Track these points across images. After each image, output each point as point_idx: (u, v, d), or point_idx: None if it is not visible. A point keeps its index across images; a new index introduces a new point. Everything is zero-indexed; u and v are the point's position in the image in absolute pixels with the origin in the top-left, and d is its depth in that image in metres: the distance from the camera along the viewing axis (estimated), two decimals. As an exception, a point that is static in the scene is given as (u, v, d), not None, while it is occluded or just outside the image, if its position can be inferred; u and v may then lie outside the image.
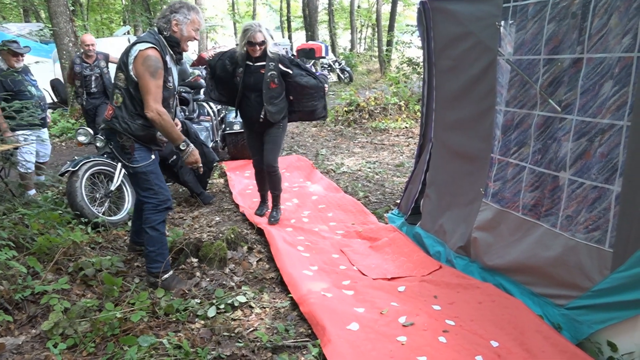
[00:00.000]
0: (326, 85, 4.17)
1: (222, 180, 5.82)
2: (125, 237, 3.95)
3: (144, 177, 3.01)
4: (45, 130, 5.24)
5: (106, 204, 4.30)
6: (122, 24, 21.21)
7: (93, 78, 6.18)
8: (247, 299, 2.94)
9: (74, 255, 3.32)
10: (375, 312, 2.70)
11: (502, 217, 2.86)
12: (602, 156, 2.25)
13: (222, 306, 2.85)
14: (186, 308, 2.84)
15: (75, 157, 4.45)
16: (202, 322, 2.72)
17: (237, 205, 4.77)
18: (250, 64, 3.88)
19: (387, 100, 9.49)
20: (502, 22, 2.79)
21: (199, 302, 2.92)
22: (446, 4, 3.26)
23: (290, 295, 2.95)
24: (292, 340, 2.53)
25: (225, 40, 26.84)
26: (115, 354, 2.39)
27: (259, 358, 2.40)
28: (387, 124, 8.80)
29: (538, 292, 2.62)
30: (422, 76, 3.82)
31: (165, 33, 2.89)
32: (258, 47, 3.79)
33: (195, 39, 3.00)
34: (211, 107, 6.39)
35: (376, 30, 22.39)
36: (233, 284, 3.18)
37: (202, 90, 6.07)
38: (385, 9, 22.57)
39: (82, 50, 6.32)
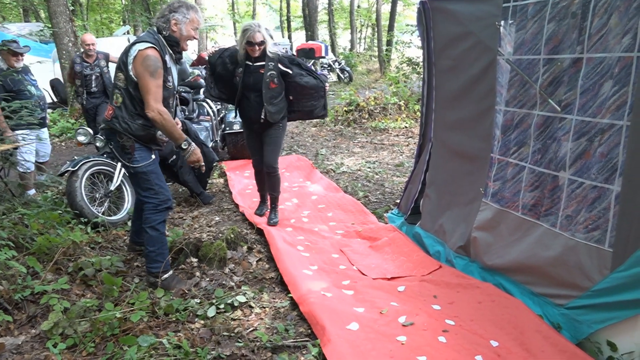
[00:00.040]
0: (327, 85, 4.17)
1: (221, 180, 5.82)
2: (125, 237, 3.95)
3: (145, 177, 3.01)
4: (45, 129, 5.24)
5: (106, 204, 4.30)
6: (121, 23, 21.20)
7: (93, 77, 6.19)
8: (247, 298, 2.94)
9: (74, 255, 3.32)
10: (375, 311, 2.70)
11: (502, 217, 2.86)
12: (602, 156, 2.25)
13: (221, 306, 2.85)
14: (186, 308, 2.84)
15: (75, 157, 4.45)
16: (202, 322, 2.72)
17: (236, 205, 4.77)
18: (250, 64, 3.88)
19: (386, 100, 9.49)
20: (502, 22, 2.79)
21: (198, 302, 2.92)
22: (446, 4, 3.26)
23: (290, 295, 2.95)
24: (292, 340, 2.53)
25: (225, 40, 26.83)
26: (115, 354, 2.39)
27: (258, 358, 2.40)
28: (387, 124, 8.81)
29: (538, 291, 2.62)
30: (422, 76, 3.82)
31: (164, 33, 2.89)
32: (257, 47, 3.79)
33: (194, 38, 3.00)
34: (211, 107, 6.39)
35: (376, 30, 22.40)
36: (233, 283, 3.18)
37: (201, 90, 6.07)
38: (385, 8, 22.56)
39: (82, 50, 6.33)
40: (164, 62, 2.85)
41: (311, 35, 20.36)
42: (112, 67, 4.47)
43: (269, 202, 4.33)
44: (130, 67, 2.79)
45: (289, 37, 25.67)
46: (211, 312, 2.78)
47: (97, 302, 2.79)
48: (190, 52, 12.84)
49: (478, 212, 3.04)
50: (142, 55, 2.75)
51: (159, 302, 2.85)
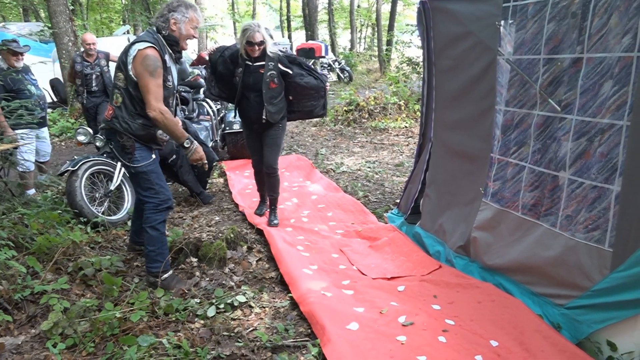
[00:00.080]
0: (327, 84, 4.16)
1: (221, 180, 5.82)
2: (125, 237, 3.95)
3: (145, 177, 3.00)
4: (45, 129, 5.24)
5: (106, 204, 4.30)
6: (121, 23, 21.20)
7: (94, 77, 6.19)
8: (247, 298, 2.94)
9: (74, 255, 3.32)
10: (375, 311, 2.70)
11: (502, 217, 2.86)
12: (602, 156, 2.24)
13: (221, 306, 2.85)
14: (186, 308, 2.84)
15: (75, 157, 4.45)
16: (202, 321, 2.72)
17: (236, 205, 4.77)
18: (250, 63, 3.87)
19: (386, 100, 9.49)
20: (502, 22, 2.79)
21: (198, 301, 2.92)
22: (446, 4, 3.25)
23: (289, 294, 2.95)
24: (292, 340, 2.53)
25: (225, 40, 26.83)
26: (115, 354, 2.39)
27: (258, 358, 2.40)
28: (387, 124, 8.81)
29: (538, 291, 2.62)
30: (421, 76, 3.82)
31: (163, 32, 2.89)
32: (257, 47, 3.78)
33: (194, 37, 3.00)
34: (211, 107, 6.39)
35: (376, 29, 22.40)
36: (233, 283, 3.18)
37: (201, 90, 6.07)
38: (385, 8, 22.56)
39: (82, 49, 6.33)
40: (164, 61, 2.85)
41: (311, 35, 20.35)
42: (113, 66, 4.47)
43: (268, 203, 4.33)
44: (130, 66, 2.79)
45: (289, 37, 25.67)
46: (211, 312, 2.78)
47: (97, 302, 2.79)
48: (190, 52, 12.84)
49: (478, 212, 3.04)
50: (142, 55, 2.75)
51: (158, 302, 2.85)
